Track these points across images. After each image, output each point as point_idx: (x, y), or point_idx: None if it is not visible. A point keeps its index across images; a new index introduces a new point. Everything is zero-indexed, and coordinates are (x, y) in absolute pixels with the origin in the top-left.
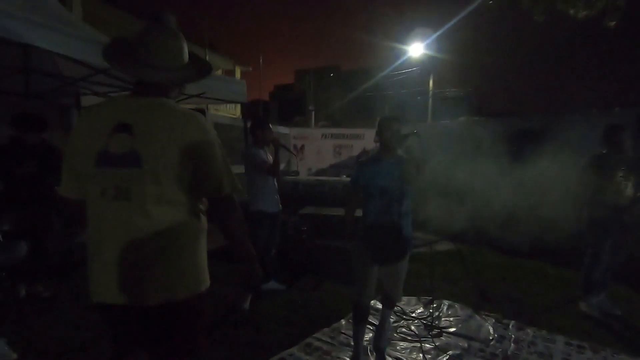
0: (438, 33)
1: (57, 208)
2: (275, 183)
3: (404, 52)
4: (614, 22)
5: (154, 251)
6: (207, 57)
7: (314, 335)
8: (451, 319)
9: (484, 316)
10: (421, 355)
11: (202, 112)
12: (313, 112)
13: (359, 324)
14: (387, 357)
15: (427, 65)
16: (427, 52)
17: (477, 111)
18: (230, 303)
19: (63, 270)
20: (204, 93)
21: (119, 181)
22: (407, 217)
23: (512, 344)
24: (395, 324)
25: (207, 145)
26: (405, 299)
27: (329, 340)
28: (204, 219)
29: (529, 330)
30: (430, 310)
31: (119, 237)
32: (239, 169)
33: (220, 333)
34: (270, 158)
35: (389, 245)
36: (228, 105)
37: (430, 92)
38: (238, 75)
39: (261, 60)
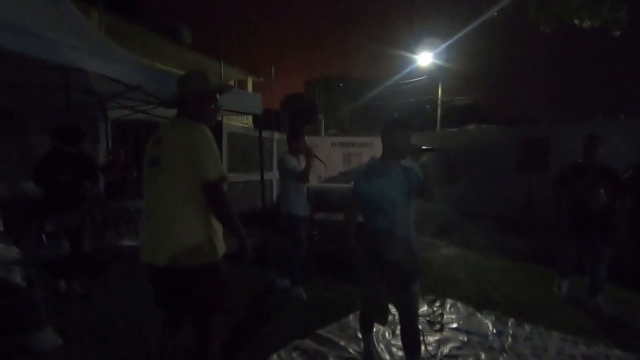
0: (447, 43)
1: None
2: (305, 190)
3: (412, 61)
4: (619, 32)
5: (163, 224)
6: (222, 69)
7: (324, 329)
8: (453, 316)
9: (484, 314)
10: (423, 347)
11: (219, 123)
12: (323, 121)
13: (366, 332)
14: (390, 349)
15: (435, 74)
16: (436, 61)
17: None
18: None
19: (96, 269)
20: (221, 106)
21: (152, 176)
22: (409, 230)
23: (509, 339)
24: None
25: (195, 144)
26: None
27: (338, 333)
28: (204, 205)
29: (527, 327)
30: (434, 308)
31: (151, 213)
32: (254, 176)
33: (237, 322)
34: (302, 166)
35: (391, 259)
36: (241, 116)
37: (439, 101)
38: (250, 85)
39: (273, 71)
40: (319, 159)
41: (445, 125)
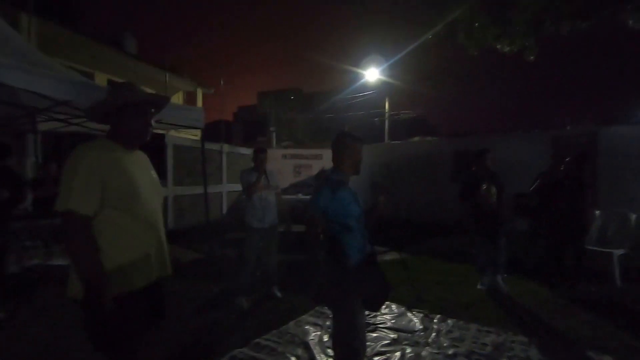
0: (390, 61)
1: (13, 231)
2: (267, 201)
3: (361, 77)
4: (532, 57)
5: None
6: (167, 80)
7: (263, 337)
8: (387, 316)
9: (414, 312)
10: None
11: (161, 136)
12: (274, 133)
13: None
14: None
15: (382, 89)
16: (382, 77)
17: (430, 132)
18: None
19: (21, 291)
20: (161, 119)
21: None
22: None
23: (433, 333)
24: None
25: (64, 170)
26: None
27: (277, 339)
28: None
29: (450, 321)
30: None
31: None
32: (201, 189)
33: (175, 336)
34: (262, 181)
35: (376, 283)
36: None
37: (387, 114)
38: (200, 97)
39: (222, 83)
40: (268, 183)
41: (393, 138)
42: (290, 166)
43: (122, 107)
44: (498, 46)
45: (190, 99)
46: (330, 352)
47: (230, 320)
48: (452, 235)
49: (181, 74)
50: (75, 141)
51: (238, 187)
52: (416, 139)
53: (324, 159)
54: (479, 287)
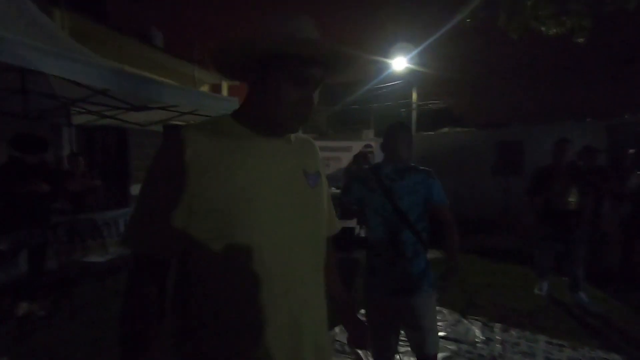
0: (419, 48)
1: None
2: None
3: (387, 66)
4: (582, 39)
5: None
6: (195, 73)
7: None
8: (440, 323)
9: (470, 320)
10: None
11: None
12: None
13: None
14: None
15: (410, 79)
16: (410, 65)
17: (459, 123)
18: None
19: (60, 289)
20: (196, 110)
21: None
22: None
23: (497, 346)
24: None
25: None
26: None
27: None
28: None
29: (513, 332)
30: None
31: None
32: None
33: None
34: None
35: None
36: None
37: (414, 105)
38: (225, 89)
39: None
40: None
41: (420, 129)
42: None
43: (270, 58)
44: (543, 28)
45: (215, 91)
46: None
47: None
48: (496, 232)
49: (206, 67)
50: (108, 135)
51: None
52: (445, 129)
53: (353, 151)
54: (536, 292)
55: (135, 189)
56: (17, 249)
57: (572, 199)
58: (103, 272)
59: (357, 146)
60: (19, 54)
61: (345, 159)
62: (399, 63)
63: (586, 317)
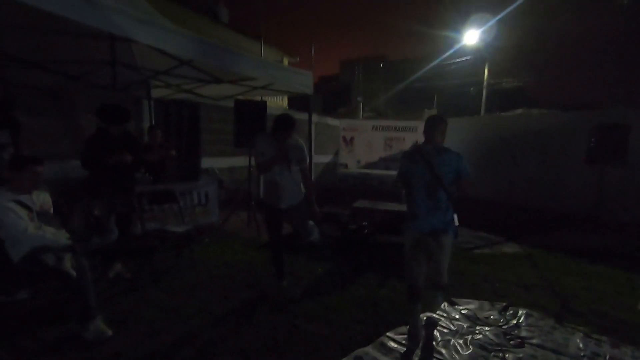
0: (496, 19)
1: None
2: (286, 179)
3: (458, 40)
4: None
5: None
6: (262, 50)
7: (387, 334)
8: (532, 328)
9: (569, 328)
10: None
11: (263, 103)
12: (361, 104)
13: (414, 303)
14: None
15: (482, 54)
16: (484, 39)
17: (534, 103)
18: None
19: (143, 255)
20: (271, 84)
21: None
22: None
23: None
24: (469, 330)
25: None
26: (477, 302)
27: (402, 340)
28: None
29: (627, 349)
30: (507, 317)
31: None
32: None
33: (293, 325)
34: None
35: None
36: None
37: (485, 83)
38: (285, 65)
39: (312, 50)
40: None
41: (488, 110)
42: (381, 139)
43: None
44: None
45: None
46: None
47: (346, 308)
48: (587, 227)
49: (269, 43)
50: (182, 109)
51: (325, 158)
52: (519, 111)
53: (418, 132)
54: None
55: (205, 162)
56: (109, 215)
57: None
58: (180, 241)
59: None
60: (109, 20)
61: (410, 139)
62: (472, 36)
63: None
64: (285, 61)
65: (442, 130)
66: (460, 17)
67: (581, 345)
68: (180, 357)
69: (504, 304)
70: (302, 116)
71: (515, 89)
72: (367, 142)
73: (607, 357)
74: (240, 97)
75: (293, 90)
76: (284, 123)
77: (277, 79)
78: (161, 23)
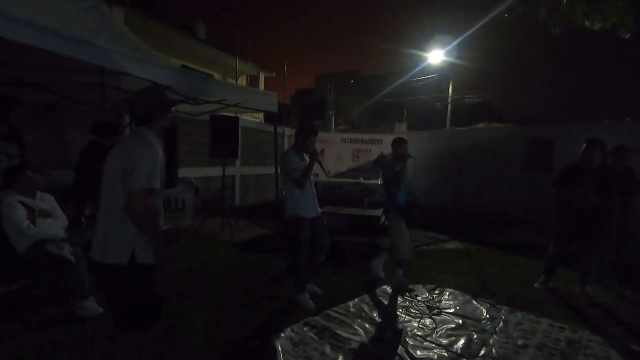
0: (457, 41)
1: None
2: (313, 188)
3: (423, 59)
4: (628, 35)
5: None
6: (237, 65)
7: (332, 308)
8: (451, 302)
9: (480, 301)
10: (422, 327)
11: (237, 119)
12: (333, 117)
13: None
14: (392, 329)
15: (446, 72)
16: (447, 58)
17: (496, 118)
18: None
19: None
20: (239, 103)
21: None
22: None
23: (500, 323)
24: (404, 304)
25: None
26: (413, 286)
27: (344, 312)
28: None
29: (519, 313)
30: (434, 295)
31: None
32: (264, 169)
33: (259, 305)
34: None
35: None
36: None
37: (450, 99)
38: (262, 79)
39: (285, 68)
40: (321, 166)
41: (455, 123)
42: (349, 150)
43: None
44: (587, 23)
45: (252, 82)
46: (394, 329)
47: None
48: (522, 228)
49: (245, 58)
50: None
51: None
52: (481, 125)
53: (384, 144)
54: (536, 285)
55: (181, 172)
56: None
57: (592, 199)
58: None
59: (387, 139)
60: (110, 59)
61: (375, 151)
62: (436, 56)
63: (593, 309)
64: (262, 76)
65: (404, 147)
66: (426, 38)
67: (485, 312)
68: (162, 327)
69: (434, 286)
70: (270, 128)
71: (480, 104)
72: (336, 154)
73: (502, 319)
74: (217, 113)
75: (261, 108)
76: (309, 129)
77: (246, 100)
78: (149, 55)
